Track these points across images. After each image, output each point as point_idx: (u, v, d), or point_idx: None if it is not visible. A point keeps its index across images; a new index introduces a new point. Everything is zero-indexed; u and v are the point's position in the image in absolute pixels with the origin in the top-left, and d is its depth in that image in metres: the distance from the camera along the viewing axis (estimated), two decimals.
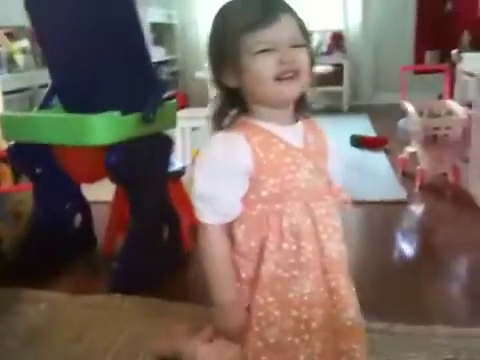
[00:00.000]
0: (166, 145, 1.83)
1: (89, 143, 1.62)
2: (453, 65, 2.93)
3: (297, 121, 1.02)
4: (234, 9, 0.97)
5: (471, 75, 2.52)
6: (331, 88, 5.27)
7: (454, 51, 2.77)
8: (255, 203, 0.97)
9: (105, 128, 1.61)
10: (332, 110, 5.29)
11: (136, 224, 1.73)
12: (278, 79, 0.92)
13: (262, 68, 0.92)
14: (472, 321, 1.49)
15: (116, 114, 1.67)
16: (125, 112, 1.67)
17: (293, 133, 0.99)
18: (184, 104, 5.43)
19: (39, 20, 1.80)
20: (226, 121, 0.99)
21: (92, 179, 1.96)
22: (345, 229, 2.31)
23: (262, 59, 0.91)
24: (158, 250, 1.80)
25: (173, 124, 1.91)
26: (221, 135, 0.97)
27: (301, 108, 1.04)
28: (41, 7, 1.77)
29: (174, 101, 1.91)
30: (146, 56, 1.72)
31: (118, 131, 1.64)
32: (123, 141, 1.64)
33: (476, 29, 3.07)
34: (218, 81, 1.00)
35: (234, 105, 1.00)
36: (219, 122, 0.99)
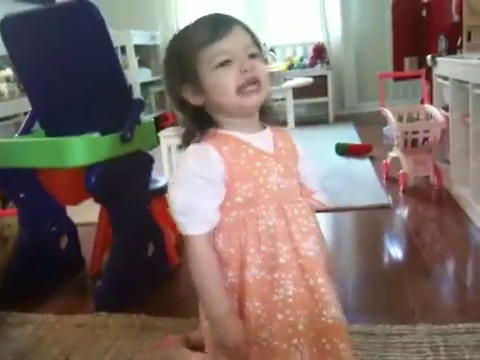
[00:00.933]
0: (146, 163, 1.86)
1: (69, 165, 1.65)
2: (430, 70, 2.99)
3: (264, 128, 1.06)
4: (189, 30, 1.01)
5: (446, 79, 2.57)
6: (316, 99, 5.34)
7: (429, 56, 2.83)
8: (231, 210, 0.99)
9: (84, 150, 1.64)
10: (318, 121, 5.37)
11: (119, 242, 1.75)
12: (240, 92, 0.96)
13: (224, 80, 0.95)
14: (452, 319, 1.51)
15: (95, 135, 1.71)
16: (104, 133, 1.71)
17: (262, 139, 1.03)
18: (172, 123, 5.48)
19: (15, 47, 1.85)
20: (196, 138, 1.01)
21: (76, 200, 1.99)
22: (333, 235, 2.35)
23: (223, 72, 0.95)
24: (143, 267, 1.82)
25: (152, 142, 1.95)
26: (192, 148, 1.00)
27: (268, 116, 1.08)
28: (17, 34, 1.81)
29: (152, 120, 1.95)
30: (121, 77, 1.77)
31: (97, 152, 1.67)
32: (102, 161, 1.68)
33: (451, 34, 3.13)
34: (181, 102, 1.03)
35: (201, 122, 1.02)
36: (189, 140, 1.02)
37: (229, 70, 0.95)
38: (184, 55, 0.98)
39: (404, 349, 1.37)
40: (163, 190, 2.13)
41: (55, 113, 1.90)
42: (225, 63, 0.95)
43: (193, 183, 0.96)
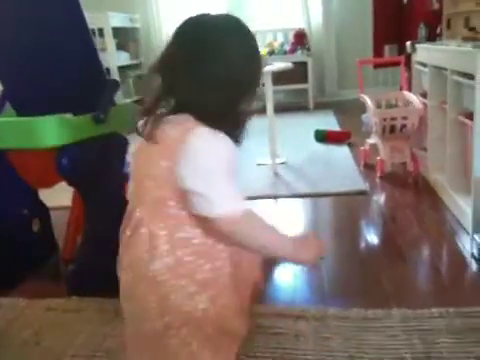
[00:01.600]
0: (121, 145, 1.82)
1: (40, 145, 1.60)
2: (409, 57, 2.99)
3: None
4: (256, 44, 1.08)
5: (425, 66, 2.57)
6: (296, 86, 5.31)
7: (408, 43, 2.82)
8: None
9: (55, 130, 1.59)
10: (298, 107, 5.35)
11: (92, 226, 1.72)
12: None
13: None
14: (427, 304, 1.52)
15: (68, 115, 1.66)
16: (77, 113, 1.66)
17: None
18: None
19: None
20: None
21: (49, 183, 1.94)
22: (310, 220, 2.34)
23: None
24: (117, 251, 1.79)
25: (128, 125, 1.90)
26: (208, 131, 0.96)
27: None
28: None
29: (129, 102, 1.90)
30: (95, 57, 1.72)
31: (69, 132, 1.62)
32: (75, 142, 1.63)
33: (430, 21, 3.13)
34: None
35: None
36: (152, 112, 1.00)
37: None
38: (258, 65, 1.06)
39: (378, 333, 1.37)
40: None
41: (26, 93, 1.84)
42: None
43: (229, 168, 0.98)
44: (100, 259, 1.72)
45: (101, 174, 1.71)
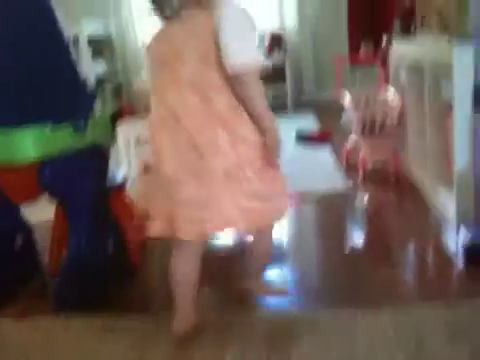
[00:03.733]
0: (102, 157, 1.80)
1: (20, 160, 1.57)
2: (386, 54, 3.01)
3: None
4: None
5: (401, 61, 2.59)
6: (275, 87, 5.32)
7: (384, 37, 2.84)
8: None
9: (34, 143, 1.57)
10: (277, 108, 5.34)
11: (76, 240, 1.69)
12: None
13: None
14: (413, 300, 1.53)
15: (47, 128, 1.62)
16: (55, 125, 1.63)
17: None
18: (130, 114, 5.37)
19: None
20: None
21: (30, 198, 1.90)
22: (294, 220, 2.33)
23: None
24: (102, 265, 1.76)
25: (108, 136, 1.88)
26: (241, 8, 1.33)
27: None
28: None
29: (107, 114, 1.89)
30: (73, 68, 1.70)
31: (49, 145, 1.60)
32: (56, 155, 1.60)
33: (405, 16, 3.15)
34: None
35: None
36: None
37: None
38: None
39: (368, 331, 1.37)
40: (121, 185, 2.07)
41: (3, 104, 1.80)
42: None
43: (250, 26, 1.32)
44: (86, 273, 1.70)
45: (83, 188, 1.69)
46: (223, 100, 1.29)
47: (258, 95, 1.30)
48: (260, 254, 1.58)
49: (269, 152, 1.34)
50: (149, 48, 1.42)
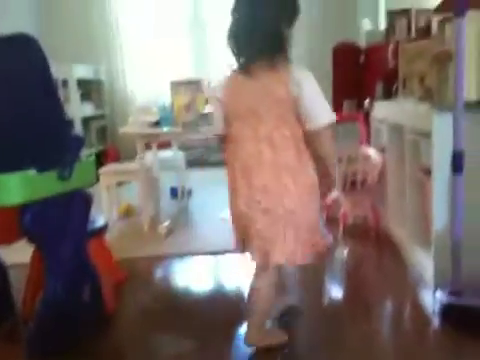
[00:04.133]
0: (84, 202, 1.79)
1: (4, 203, 1.56)
2: (368, 113, 3.10)
3: None
4: None
5: (383, 122, 2.67)
6: None
7: (366, 100, 2.94)
8: None
9: (19, 187, 1.56)
10: None
11: (52, 284, 1.66)
12: None
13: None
14: (390, 356, 1.53)
15: (32, 172, 1.63)
16: (41, 170, 1.64)
17: None
18: (114, 159, 5.38)
19: None
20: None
21: (10, 240, 1.88)
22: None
23: None
24: (77, 311, 1.73)
25: (92, 181, 1.89)
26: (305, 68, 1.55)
27: None
28: None
29: (93, 158, 1.90)
30: (61, 113, 1.71)
31: (33, 190, 1.60)
32: (39, 199, 1.60)
33: (387, 80, 3.27)
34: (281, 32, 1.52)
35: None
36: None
37: None
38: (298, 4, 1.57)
39: None
40: (101, 230, 2.06)
41: None
42: None
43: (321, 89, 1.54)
44: (61, 319, 1.66)
45: (64, 232, 1.68)
46: (291, 154, 1.52)
47: (332, 150, 1.60)
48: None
49: (323, 194, 1.66)
50: (223, 101, 1.61)
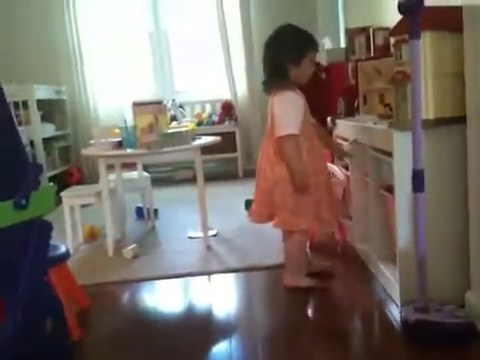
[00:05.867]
0: (43, 231, 1.73)
1: None
2: (331, 130, 3.13)
3: None
4: (306, 33, 2.23)
5: (345, 140, 2.70)
6: (226, 155, 5.43)
7: (329, 118, 2.97)
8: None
9: None
10: (228, 176, 5.44)
11: (12, 318, 1.59)
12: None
13: (309, 70, 2.25)
14: None
15: None
16: None
17: None
18: (78, 179, 5.29)
19: None
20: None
21: None
22: (242, 294, 2.31)
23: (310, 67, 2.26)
24: (40, 344, 1.67)
25: (51, 208, 1.83)
26: (289, 92, 2.17)
27: None
28: None
29: (51, 185, 1.84)
30: (16, 141, 1.66)
31: None
32: None
33: (348, 97, 3.32)
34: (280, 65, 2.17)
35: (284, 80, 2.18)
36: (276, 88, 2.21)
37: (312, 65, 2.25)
38: (304, 47, 2.19)
39: None
40: (63, 258, 2.00)
41: None
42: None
43: (295, 104, 2.16)
44: (21, 356, 1.59)
45: (22, 262, 1.61)
46: (271, 152, 2.21)
47: (291, 155, 2.13)
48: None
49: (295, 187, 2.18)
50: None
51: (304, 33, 2.20)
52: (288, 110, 2.12)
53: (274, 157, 2.18)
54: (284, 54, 2.14)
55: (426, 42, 1.75)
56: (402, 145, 1.82)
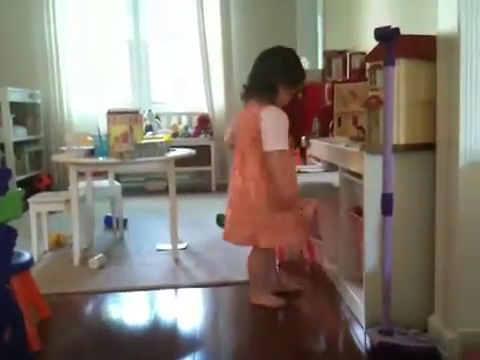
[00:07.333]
0: (7, 237, 1.69)
1: None
2: (304, 149, 3.17)
3: None
4: (300, 61, 2.33)
5: (318, 159, 2.73)
6: (200, 168, 5.42)
7: (303, 137, 3.00)
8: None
9: None
10: (201, 189, 5.43)
11: None
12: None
13: (287, 99, 2.26)
14: None
15: None
16: None
17: None
18: (47, 185, 5.20)
19: None
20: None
21: None
22: (210, 309, 2.29)
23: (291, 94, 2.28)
24: (5, 354, 1.61)
25: (17, 214, 1.79)
26: (276, 109, 2.17)
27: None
28: None
29: (19, 190, 1.81)
30: None
31: None
32: None
33: (323, 117, 3.36)
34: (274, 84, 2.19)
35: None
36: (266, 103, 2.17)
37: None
38: (298, 80, 2.28)
39: None
40: (26, 266, 1.95)
41: None
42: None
43: (282, 120, 2.15)
44: None
45: None
46: (257, 168, 2.17)
47: (278, 169, 2.12)
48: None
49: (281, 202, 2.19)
50: (234, 120, 2.41)
51: (302, 68, 2.29)
52: (278, 125, 2.11)
53: (260, 173, 2.16)
54: (281, 76, 2.17)
55: (400, 69, 1.79)
56: (373, 168, 1.84)
